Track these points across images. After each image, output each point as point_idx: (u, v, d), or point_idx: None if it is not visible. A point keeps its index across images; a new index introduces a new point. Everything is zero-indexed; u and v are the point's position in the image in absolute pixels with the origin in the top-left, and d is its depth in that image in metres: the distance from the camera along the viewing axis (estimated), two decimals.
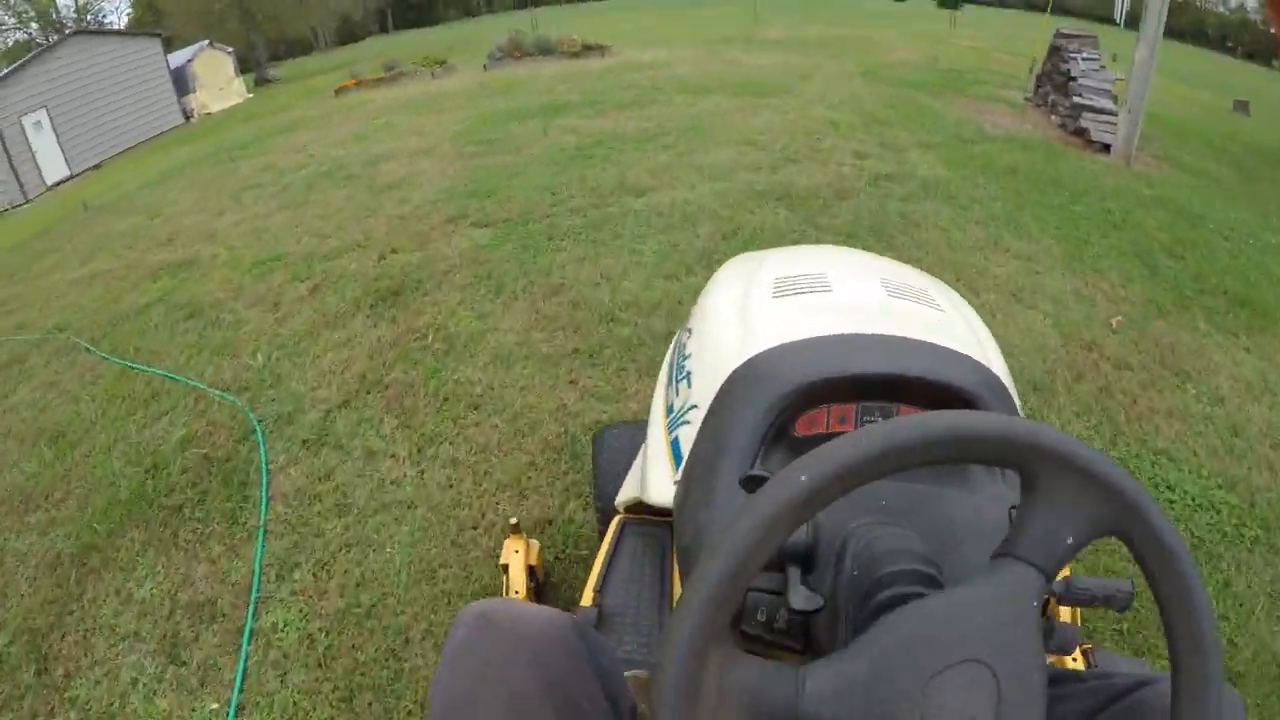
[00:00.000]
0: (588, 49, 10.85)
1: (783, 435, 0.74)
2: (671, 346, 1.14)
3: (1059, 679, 0.67)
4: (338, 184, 5.71)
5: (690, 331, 1.00)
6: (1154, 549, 0.46)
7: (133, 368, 3.17)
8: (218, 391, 2.80)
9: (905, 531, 0.57)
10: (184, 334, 3.43)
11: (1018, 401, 0.78)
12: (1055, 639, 0.53)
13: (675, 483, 0.81)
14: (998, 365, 0.83)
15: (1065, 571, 0.51)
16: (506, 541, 1.48)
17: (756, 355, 0.77)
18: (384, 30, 39.63)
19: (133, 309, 3.90)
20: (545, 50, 11.02)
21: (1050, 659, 0.89)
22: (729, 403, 0.75)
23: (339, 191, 5.46)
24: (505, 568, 1.45)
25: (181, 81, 16.86)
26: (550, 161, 5.33)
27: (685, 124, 6.12)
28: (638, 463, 1.14)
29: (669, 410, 0.95)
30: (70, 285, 4.73)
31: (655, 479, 0.90)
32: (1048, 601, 0.59)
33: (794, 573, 0.56)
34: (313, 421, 2.53)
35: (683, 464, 0.81)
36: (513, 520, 1.47)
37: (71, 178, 13.67)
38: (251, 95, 17.90)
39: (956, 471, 0.70)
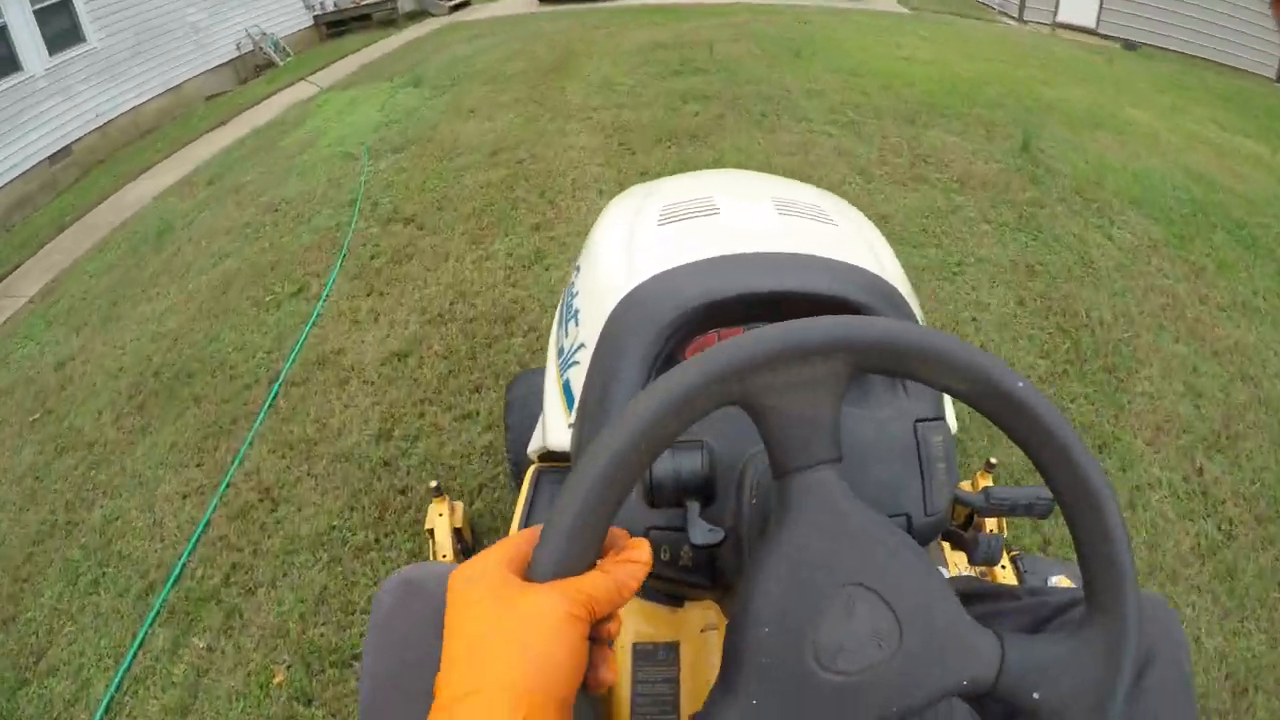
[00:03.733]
0: None
1: (672, 364, 0.62)
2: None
3: (995, 595, 0.69)
4: None
5: (579, 269, 0.97)
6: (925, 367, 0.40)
7: None
8: None
9: None
10: None
11: (919, 313, 0.77)
12: (980, 551, 0.59)
13: (570, 426, 0.80)
14: (893, 275, 0.81)
15: (987, 481, 0.55)
16: (429, 507, 1.44)
17: (641, 284, 0.73)
18: None
19: None
20: None
21: (979, 570, 0.95)
22: (615, 335, 0.71)
23: None
24: (430, 532, 1.42)
25: None
26: None
27: None
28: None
29: (560, 352, 0.93)
30: None
31: (553, 424, 0.89)
32: (971, 515, 0.71)
33: (693, 507, 0.54)
34: None
35: (575, 405, 0.79)
36: (433, 484, 1.43)
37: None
38: None
39: (856, 389, 0.65)
